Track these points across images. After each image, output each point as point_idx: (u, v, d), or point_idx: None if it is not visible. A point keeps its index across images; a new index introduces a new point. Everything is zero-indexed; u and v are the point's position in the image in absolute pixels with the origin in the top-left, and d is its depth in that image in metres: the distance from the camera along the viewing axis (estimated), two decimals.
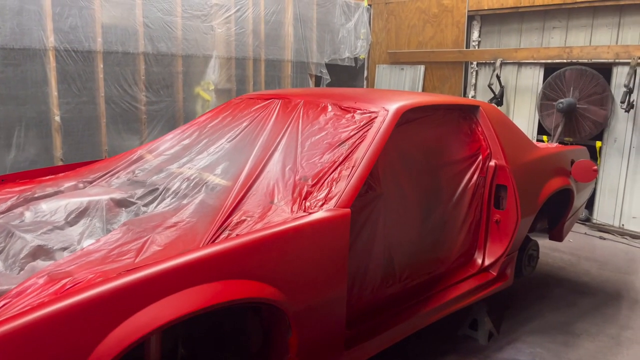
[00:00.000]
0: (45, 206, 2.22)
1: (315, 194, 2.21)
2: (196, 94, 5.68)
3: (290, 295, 1.90)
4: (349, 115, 2.62)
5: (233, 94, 5.85)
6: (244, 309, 2.09)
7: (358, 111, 2.62)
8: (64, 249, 2.02)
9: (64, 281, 1.58)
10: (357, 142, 2.40)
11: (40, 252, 1.96)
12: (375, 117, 2.53)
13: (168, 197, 2.37)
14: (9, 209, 2.33)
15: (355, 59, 7.17)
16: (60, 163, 4.69)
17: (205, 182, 2.42)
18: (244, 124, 2.87)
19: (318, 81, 6.79)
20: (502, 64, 6.10)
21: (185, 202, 2.28)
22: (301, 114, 2.74)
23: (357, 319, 2.39)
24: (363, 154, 2.32)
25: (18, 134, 4.48)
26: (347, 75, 7.44)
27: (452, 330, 3.24)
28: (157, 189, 2.46)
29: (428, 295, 2.78)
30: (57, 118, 4.67)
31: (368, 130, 2.46)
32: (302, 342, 1.98)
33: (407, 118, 2.67)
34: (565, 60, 5.60)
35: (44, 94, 4.58)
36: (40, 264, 1.90)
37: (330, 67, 6.82)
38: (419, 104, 2.75)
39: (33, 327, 1.36)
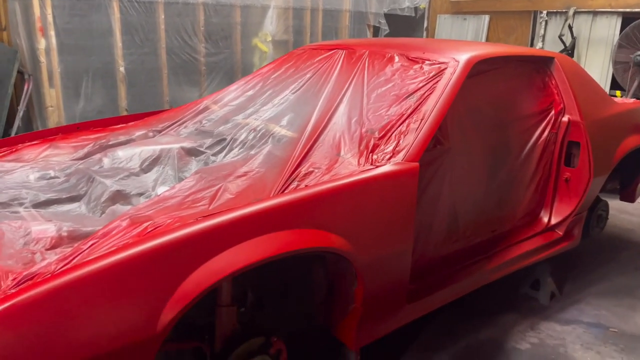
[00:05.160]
0: (121, 153, 2.31)
1: (382, 147, 2.18)
2: (254, 45, 5.66)
3: (357, 247, 1.91)
4: (416, 66, 2.53)
5: (290, 46, 5.79)
6: (309, 259, 2.13)
7: (427, 62, 2.53)
8: (140, 194, 2.11)
9: (145, 224, 1.65)
10: (426, 94, 2.33)
11: (119, 196, 2.05)
12: (445, 68, 2.43)
13: (236, 147, 2.41)
14: (87, 156, 2.44)
15: (415, 9, 6.88)
16: (125, 113, 4.84)
17: (272, 134, 2.44)
18: (308, 75, 2.84)
19: (376, 32, 6.60)
20: (575, 13, 5.69)
21: (253, 152, 2.30)
22: (366, 64, 2.68)
23: (419, 274, 2.39)
24: (432, 107, 2.25)
25: (86, 84, 4.64)
26: (406, 26, 7.18)
27: (512, 290, 3.20)
28: (225, 139, 2.50)
29: (491, 253, 2.74)
30: (122, 69, 4.79)
31: (437, 82, 2.37)
32: (367, 292, 2.01)
33: (478, 70, 2.55)
34: None
35: (109, 44, 4.69)
36: (119, 208, 2.00)
37: (389, 17, 6.60)
38: (491, 55, 2.62)
39: (123, 265, 1.44)
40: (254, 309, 2.11)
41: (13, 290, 1.40)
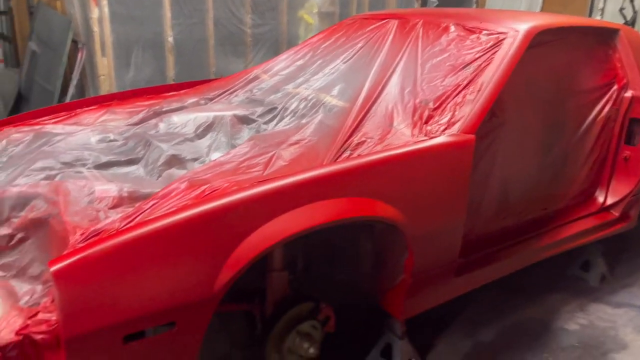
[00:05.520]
0: (176, 119, 2.36)
1: (436, 118, 2.14)
2: (299, 17, 5.61)
3: (409, 218, 1.90)
4: (473, 37, 2.45)
5: (336, 18, 5.71)
6: (357, 228, 2.13)
7: (484, 32, 2.44)
8: (194, 159, 2.15)
9: (203, 187, 1.68)
10: (483, 65, 2.26)
11: (175, 161, 2.09)
12: (504, 39, 2.34)
13: (287, 116, 2.42)
14: (142, 121, 2.50)
15: None
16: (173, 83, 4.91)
17: (323, 103, 2.43)
18: (359, 45, 2.79)
19: (424, 4, 6.42)
20: None
21: (304, 121, 2.30)
22: (420, 34, 2.61)
23: (468, 248, 2.36)
24: (490, 78, 2.18)
25: (136, 53, 4.72)
26: None
27: (560, 270, 3.12)
28: (276, 108, 2.51)
29: (542, 231, 2.67)
30: (170, 39, 4.84)
31: (496, 52, 2.29)
32: (417, 264, 2.01)
33: (539, 41, 2.45)
34: None
35: (159, 14, 4.73)
36: (175, 172, 2.04)
37: None
38: (553, 25, 2.51)
39: (183, 225, 1.48)
40: (302, 276, 2.14)
41: (81, 245, 1.46)
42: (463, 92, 2.19)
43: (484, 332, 2.55)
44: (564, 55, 2.64)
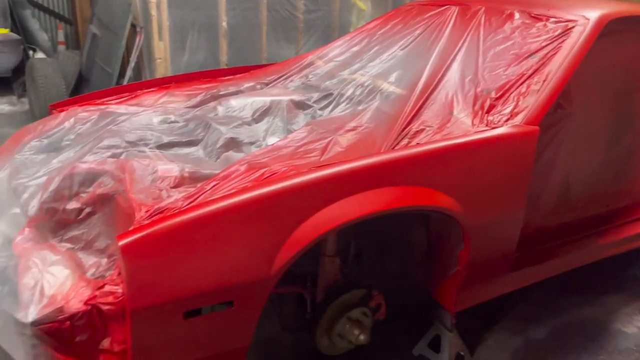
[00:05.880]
0: (234, 102, 2.39)
1: (499, 107, 2.08)
2: (352, 3, 5.56)
3: (467, 209, 1.86)
4: (540, 24, 2.36)
5: (389, 4, 5.62)
6: (411, 217, 2.11)
7: (551, 19, 2.34)
8: (252, 143, 2.17)
9: (262, 170, 1.70)
10: (549, 54, 2.17)
11: (232, 144, 2.12)
12: (574, 27, 2.24)
13: (343, 102, 2.40)
14: (200, 104, 2.55)
15: None
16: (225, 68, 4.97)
17: (379, 90, 2.40)
18: (417, 32, 2.74)
19: None
20: None
21: (360, 108, 2.29)
22: (482, 21, 2.53)
23: (525, 242, 2.29)
24: (557, 68, 2.10)
25: (191, 38, 4.80)
26: None
27: (619, 270, 3.00)
28: (332, 94, 2.50)
29: (603, 229, 2.57)
30: (224, 24, 4.90)
31: (564, 41, 2.20)
32: (473, 256, 1.97)
33: (610, 29, 2.33)
34: None
35: None
36: (233, 154, 2.07)
37: None
38: (626, 14, 2.38)
39: (244, 206, 1.50)
40: (354, 262, 2.14)
41: (146, 222, 1.51)
42: (527, 82, 2.11)
43: (536, 330, 2.49)
44: (636, 46, 2.51)
